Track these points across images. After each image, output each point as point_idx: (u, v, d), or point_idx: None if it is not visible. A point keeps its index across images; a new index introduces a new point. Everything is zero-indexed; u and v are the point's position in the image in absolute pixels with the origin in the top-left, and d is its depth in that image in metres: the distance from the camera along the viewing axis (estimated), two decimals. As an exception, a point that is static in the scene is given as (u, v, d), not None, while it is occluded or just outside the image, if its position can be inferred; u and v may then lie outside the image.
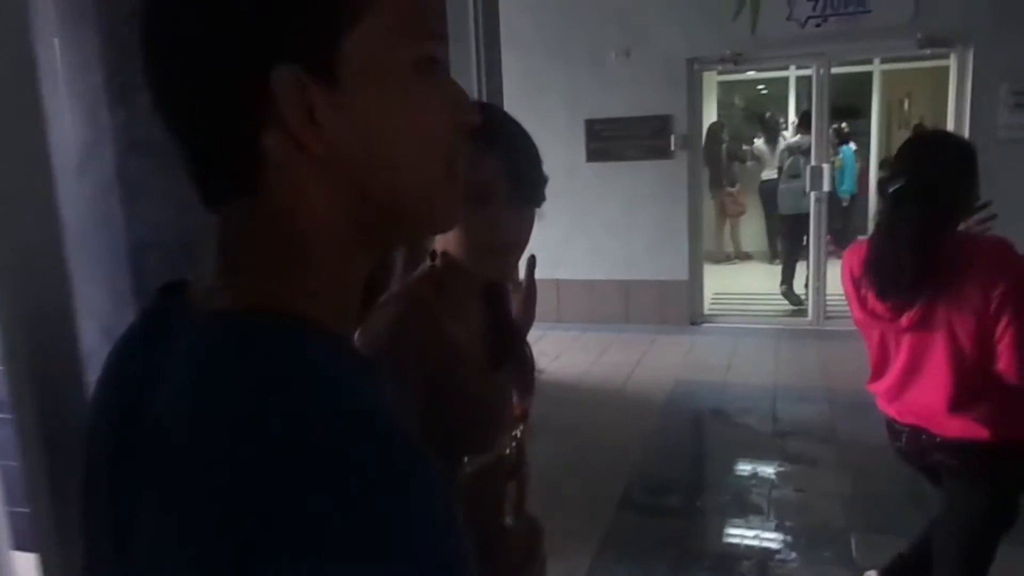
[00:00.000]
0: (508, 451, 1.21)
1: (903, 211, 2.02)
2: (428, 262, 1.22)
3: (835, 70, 6.76)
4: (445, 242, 1.16)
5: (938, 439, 2.12)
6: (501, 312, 1.29)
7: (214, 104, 0.50)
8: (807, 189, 6.68)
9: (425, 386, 1.10)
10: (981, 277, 1.96)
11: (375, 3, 0.51)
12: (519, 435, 1.26)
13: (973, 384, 2.03)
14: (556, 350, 6.28)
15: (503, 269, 1.16)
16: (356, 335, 1.13)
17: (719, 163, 9.44)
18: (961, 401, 2.05)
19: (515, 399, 1.25)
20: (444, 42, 0.57)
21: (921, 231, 1.98)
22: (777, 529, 3.36)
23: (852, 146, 9.36)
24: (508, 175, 1.10)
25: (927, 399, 2.10)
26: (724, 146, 9.56)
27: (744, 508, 3.57)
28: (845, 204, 9.19)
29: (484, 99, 3.68)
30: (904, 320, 2.06)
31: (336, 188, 0.52)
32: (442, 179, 0.57)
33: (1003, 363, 1.97)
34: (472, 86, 3.49)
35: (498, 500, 1.21)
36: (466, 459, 1.15)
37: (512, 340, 1.28)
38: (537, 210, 1.21)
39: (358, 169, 0.52)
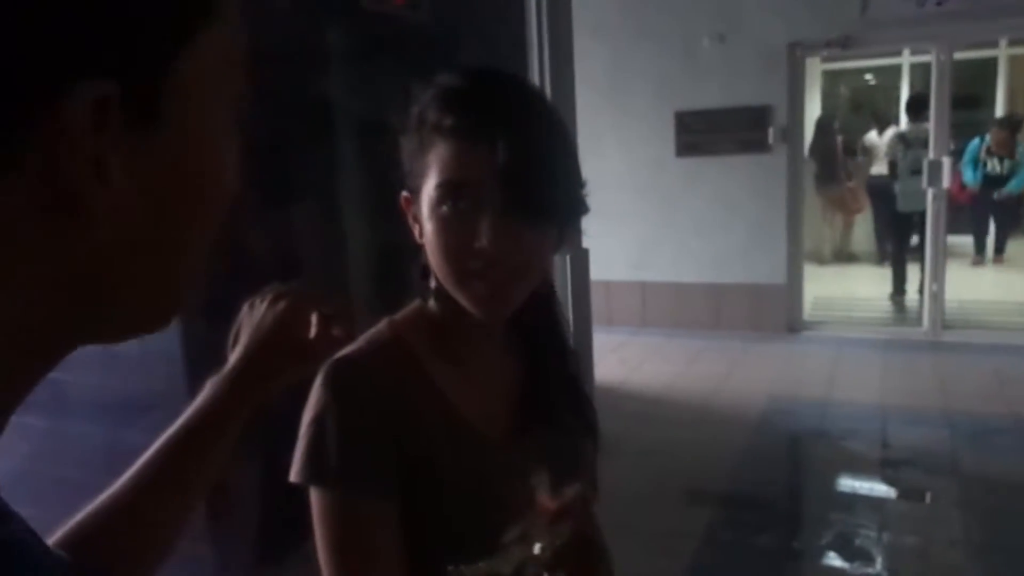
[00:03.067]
0: (526, 563, 0.86)
1: None
2: (420, 298, 0.90)
3: (956, 55, 6.07)
4: (432, 263, 0.84)
5: None
6: (541, 358, 0.94)
7: None
8: (924, 184, 6.03)
9: (393, 458, 0.80)
10: None
11: (218, 6, 0.36)
12: (554, 543, 0.90)
13: None
14: (639, 358, 5.87)
15: (486, 304, 0.82)
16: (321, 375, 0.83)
17: (834, 157, 8.70)
18: None
19: (544, 486, 0.89)
20: None
21: None
22: (889, 581, 2.90)
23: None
24: (503, 179, 0.76)
25: None
26: (839, 139, 8.82)
27: (850, 553, 3.10)
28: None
29: (549, 94, 3.35)
30: None
31: (63, 273, 0.34)
32: (189, 275, 0.40)
33: None
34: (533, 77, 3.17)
35: None
36: (454, 567, 0.82)
37: (548, 399, 0.93)
38: (583, 221, 0.89)
39: (115, 251, 0.35)
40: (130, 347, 0.44)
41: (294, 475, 0.80)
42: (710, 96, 6.24)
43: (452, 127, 0.77)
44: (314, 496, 0.80)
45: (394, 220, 0.96)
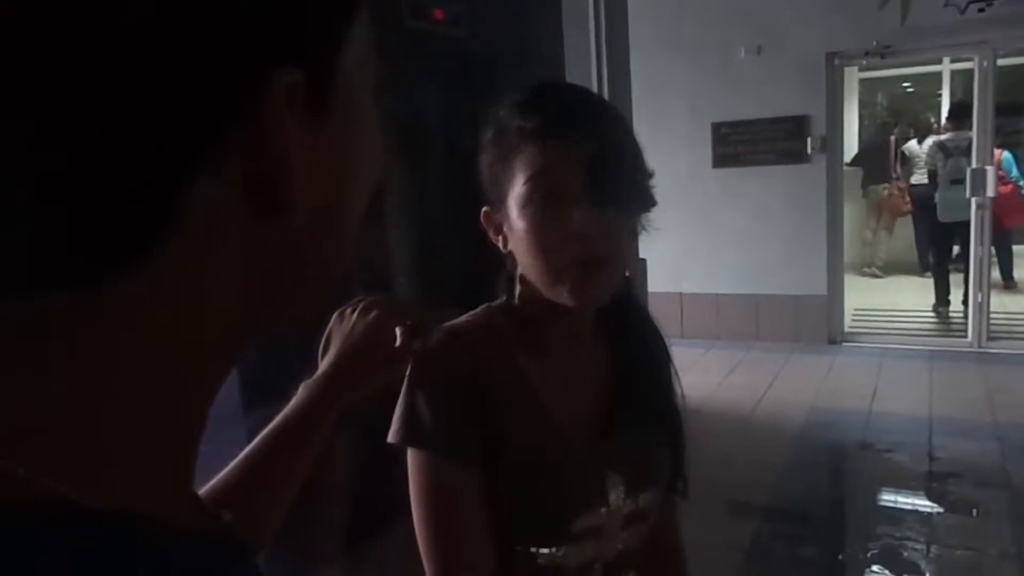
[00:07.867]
0: (594, 557, 0.90)
1: None
2: (503, 295, 0.95)
3: (1000, 62, 5.99)
4: (523, 263, 0.88)
5: None
6: (626, 364, 0.97)
7: (157, 117, 0.30)
8: (967, 194, 5.95)
9: (478, 430, 0.85)
10: None
11: None
12: (627, 543, 0.94)
13: None
14: (678, 369, 5.84)
15: (582, 292, 0.85)
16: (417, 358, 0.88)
17: (887, 154, 8.62)
18: None
19: (618, 484, 0.92)
20: None
21: None
22: (940, 595, 2.86)
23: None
24: (589, 170, 0.82)
25: None
26: (893, 137, 8.73)
27: (897, 566, 3.07)
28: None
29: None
30: None
31: (259, 265, 0.35)
32: (347, 262, 0.41)
33: None
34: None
35: None
36: (534, 549, 0.87)
37: (630, 405, 0.95)
38: (646, 218, 0.93)
39: (303, 237, 0.36)
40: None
41: (392, 436, 0.87)
42: (747, 107, 6.23)
43: (537, 127, 0.83)
44: (410, 457, 0.86)
45: (444, 234, 1.00)
